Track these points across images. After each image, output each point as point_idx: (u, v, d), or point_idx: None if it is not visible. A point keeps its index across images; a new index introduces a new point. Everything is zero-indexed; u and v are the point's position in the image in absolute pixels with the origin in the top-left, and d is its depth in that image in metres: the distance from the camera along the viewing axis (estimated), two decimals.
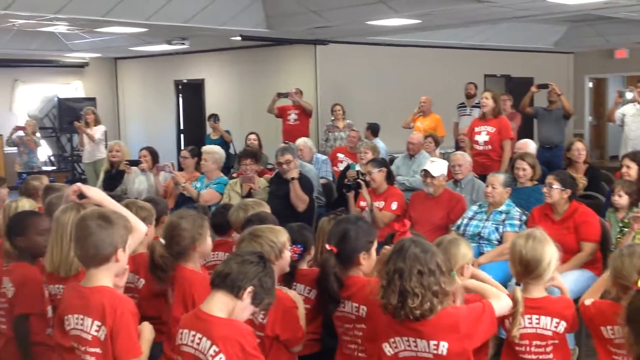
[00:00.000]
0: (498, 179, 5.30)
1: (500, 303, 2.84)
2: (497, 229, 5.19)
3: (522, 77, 13.85)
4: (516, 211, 5.23)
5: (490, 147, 7.22)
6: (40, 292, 3.33)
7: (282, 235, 3.26)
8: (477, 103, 9.98)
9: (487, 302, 2.79)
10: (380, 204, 6.03)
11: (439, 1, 8.10)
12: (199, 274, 3.34)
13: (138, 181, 7.17)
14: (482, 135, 7.27)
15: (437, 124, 9.67)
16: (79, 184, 3.13)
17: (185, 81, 14.16)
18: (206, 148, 7.07)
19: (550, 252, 3.03)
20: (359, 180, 6.12)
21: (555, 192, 4.89)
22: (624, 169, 5.67)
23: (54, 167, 13.19)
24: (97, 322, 2.63)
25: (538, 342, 3.00)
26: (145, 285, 3.63)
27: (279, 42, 11.35)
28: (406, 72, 12.47)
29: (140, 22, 8.87)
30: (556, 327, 3.00)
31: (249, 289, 2.64)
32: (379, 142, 8.70)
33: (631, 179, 5.49)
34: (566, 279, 4.47)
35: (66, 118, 12.53)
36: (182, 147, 13.20)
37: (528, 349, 3.00)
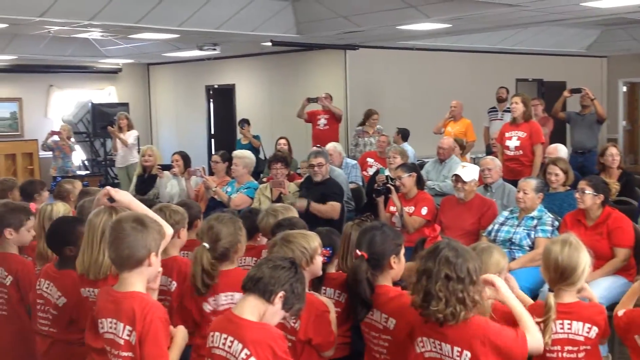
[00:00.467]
0: (530, 184, 5.25)
1: (533, 339, 2.74)
2: (528, 234, 5.14)
3: (554, 81, 13.71)
4: (548, 217, 5.18)
5: (521, 152, 7.15)
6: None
7: (313, 241, 3.28)
8: (508, 107, 9.90)
9: (522, 333, 2.71)
10: (410, 209, 6.01)
11: (470, 5, 8.05)
12: (243, 271, 3.39)
13: (170, 185, 7.25)
14: (513, 141, 7.21)
15: (467, 129, 9.61)
16: (108, 187, 3.20)
17: (216, 86, 14.28)
18: (237, 153, 7.12)
19: (585, 259, 3.01)
20: (388, 185, 6.11)
21: (588, 197, 4.83)
22: None
23: (88, 172, 13.40)
24: (128, 327, 2.66)
25: (570, 348, 2.97)
26: (176, 289, 3.67)
27: (309, 47, 11.39)
28: (437, 76, 12.42)
29: (173, 29, 8.98)
30: (588, 332, 2.97)
31: (281, 293, 2.65)
32: (408, 147, 8.68)
33: None
34: (599, 286, 4.44)
35: (100, 123, 12.70)
36: (213, 152, 13.31)
37: (560, 354, 2.97)
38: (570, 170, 5.93)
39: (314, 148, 7.82)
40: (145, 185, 7.67)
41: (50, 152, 11.73)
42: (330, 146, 7.95)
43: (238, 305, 2.70)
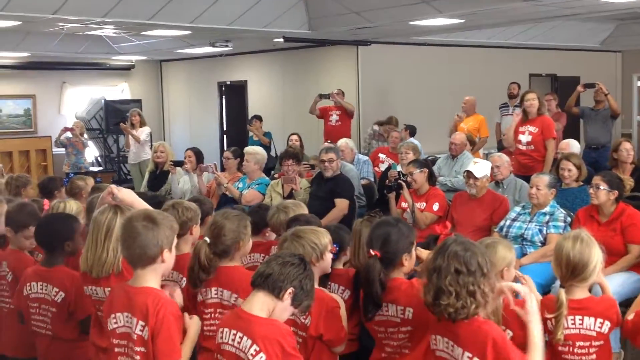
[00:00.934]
0: (543, 180, 5.22)
1: None
2: (540, 230, 5.12)
3: (568, 76, 13.61)
4: (561, 212, 5.15)
5: (533, 147, 7.11)
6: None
7: (324, 237, 3.30)
8: (519, 103, 9.85)
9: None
10: (421, 204, 6.00)
11: (483, 0, 8.01)
12: (243, 270, 3.39)
13: (182, 181, 7.28)
14: (525, 135, 7.17)
15: (480, 124, 9.55)
16: (112, 186, 3.22)
17: (228, 83, 14.30)
18: (248, 149, 7.13)
19: (597, 255, 2.99)
20: (400, 181, 6.09)
21: (602, 193, 4.80)
22: None
23: (101, 168, 13.47)
24: (141, 322, 2.69)
25: (581, 343, 2.96)
26: (186, 285, 3.69)
27: (321, 43, 11.38)
28: (449, 72, 12.37)
29: (185, 25, 8.99)
30: (600, 327, 2.96)
31: (290, 290, 2.66)
32: (414, 141, 8.64)
33: None
34: (613, 282, 4.40)
35: (112, 120, 12.76)
36: (225, 148, 13.34)
37: (571, 349, 2.96)
38: (584, 165, 5.90)
39: (326, 144, 7.82)
40: (157, 181, 7.71)
41: (64, 149, 11.80)
42: (342, 142, 7.94)
43: (247, 301, 2.70)
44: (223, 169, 7.66)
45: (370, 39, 11.23)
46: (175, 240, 2.83)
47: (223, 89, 14.46)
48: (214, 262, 3.31)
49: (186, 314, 2.82)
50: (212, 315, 3.37)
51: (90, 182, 5.54)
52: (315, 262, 3.20)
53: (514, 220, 5.31)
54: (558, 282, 3.27)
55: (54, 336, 3.55)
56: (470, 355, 2.56)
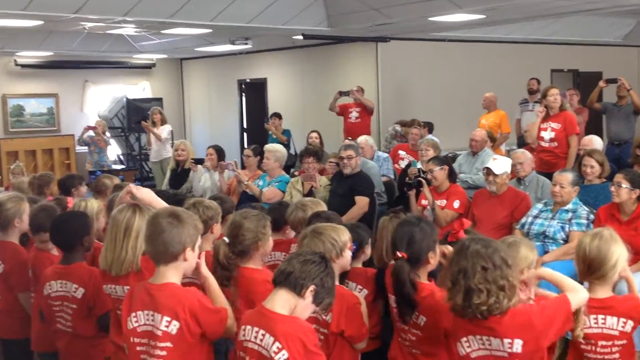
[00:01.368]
0: (567, 177, 5.16)
1: (578, 296, 2.75)
2: (563, 227, 5.08)
3: (590, 71, 13.48)
4: (583, 210, 5.11)
5: (556, 144, 7.06)
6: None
7: (344, 235, 3.31)
8: (539, 99, 9.78)
9: (564, 296, 2.72)
10: (442, 202, 5.97)
11: None
12: (260, 271, 3.40)
13: (203, 179, 7.32)
14: (548, 132, 7.12)
15: (502, 120, 9.48)
16: (131, 185, 3.26)
17: (248, 80, 14.34)
18: (268, 146, 7.16)
19: (618, 253, 2.96)
20: (420, 178, 6.08)
21: (624, 191, 4.76)
22: None
23: (123, 166, 13.58)
24: (166, 318, 2.73)
25: (604, 343, 2.94)
26: None
27: (340, 40, 11.36)
28: (470, 68, 12.30)
29: (205, 24, 9.04)
30: (623, 326, 2.93)
31: (311, 287, 2.67)
32: (433, 138, 8.61)
33: None
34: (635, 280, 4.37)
35: (134, 118, 12.84)
36: (245, 146, 13.39)
37: (594, 348, 2.95)
38: (606, 162, 5.84)
39: (346, 141, 7.81)
40: (178, 179, 7.76)
41: (86, 147, 11.92)
42: (362, 139, 7.93)
43: (269, 299, 2.72)
44: (243, 167, 7.69)
45: (389, 36, 11.19)
46: (200, 240, 2.85)
47: (243, 86, 14.50)
48: (234, 262, 3.32)
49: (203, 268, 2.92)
50: None
51: (116, 180, 5.60)
52: (335, 258, 3.22)
53: (535, 217, 5.27)
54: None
55: (74, 333, 3.60)
56: (510, 340, 2.59)
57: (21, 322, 4.05)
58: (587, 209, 5.13)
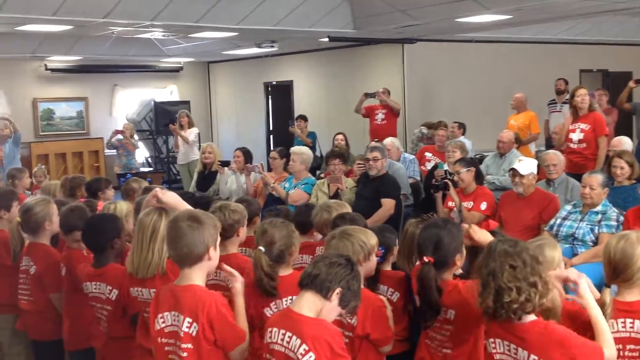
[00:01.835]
0: (597, 179, 5.10)
1: (610, 354, 2.63)
2: (592, 229, 5.02)
3: (619, 71, 13.30)
4: (613, 211, 5.05)
5: (585, 145, 6.98)
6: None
7: (372, 238, 3.32)
8: (567, 99, 9.67)
9: (600, 348, 2.59)
10: (469, 204, 5.94)
11: None
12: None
13: (230, 181, 7.36)
14: (576, 133, 7.04)
15: (531, 121, 9.39)
16: (157, 189, 3.29)
17: (274, 83, 14.40)
18: (294, 149, 7.18)
19: None
20: (446, 180, 6.05)
21: None
22: None
23: (151, 168, 13.73)
24: (188, 319, 2.76)
25: (632, 346, 2.89)
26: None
27: (366, 42, 11.36)
28: (497, 69, 12.21)
29: (231, 27, 9.10)
30: None
31: (337, 290, 2.67)
32: (466, 140, 8.56)
33: None
34: None
35: (162, 121, 12.97)
36: (272, 148, 13.44)
37: (622, 353, 2.90)
38: (636, 163, 5.77)
39: (372, 143, 7.81)
40: (205, 181, 7.82)
41: (115, 150, 12.06)
42: (388, 141, 7.92)
43: (296, 301, 2.74)
44: (269, 169, 7.73)
45: (415, 37, 11.16)
46: (219, 239, 2.89)
47: (269, 89, 14.57)
48: (275, 269, 3.31)
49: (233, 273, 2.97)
50: None
51: (144, 184, 5.65)
52: (362, 261, 3.22)
53: (564, 219, 5.22)
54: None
55: (110, 334, 3.64)
56: (537, 358, 2.53)
57: (53, 324, 4.11)
58: (616, 210, 5.07)
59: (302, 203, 5.86)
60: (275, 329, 2.72)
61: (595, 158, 6.89)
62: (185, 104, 13.93)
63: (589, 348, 2.55)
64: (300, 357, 2.59)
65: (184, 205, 3.20)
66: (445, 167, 6.98)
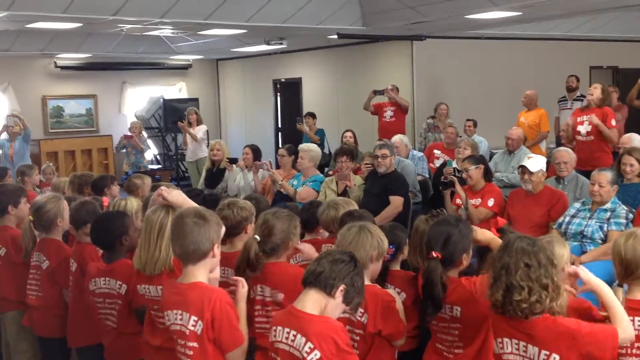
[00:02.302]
0: (606, 176, 5.07)
1: (625, 334, 2.62)
2: (601, 227, 4.99)
3: (630, 68, 13.20)
4: (622, 209, 5.01)
5: (592, 137, 6.95)
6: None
7: (387, 242, 3.29)
8: (578, 96, 9.63)
9: (613, 331, 2.59)
10: (477, 201, 5.92)
11: None
12: (285, 265, 3.43)
13: (239, 178, 7.37)
14: (584, 126, 7.02)
15: (541, 119, 9.32)
16: (162, 188, 3.29)
17: (283, 80, 14.39)
18: (303, 146, 7.17)
19: None
20: (452, 176, 6.03)
21: None
22: None
23: (160, 166, 13.76)
24: (194, 317, 2.76)
25: None
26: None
27: (375, 39, 11.33)
28: (507, 66, 12.16)
29: (240, 24, 9.10)
30: None
31: (341, 287, 2.67)
32: (480, 137, 8.55)
33: None
34: None
35: (171, 118, 12.98)
36: (280, 145, 13.44)
37: (629, 351, 2.88)
38: None
39: (380, 141, 7.80)
40: (214, 178, 7.84)
41: (124, 149, 12.08)
42: (397, 138, 7.91)
43: (300, 299, 2.73)
44: (278, 166, 7.73)
45: (424, 34, 11.12)
46: (222, 234, 2.91)
47: (278, 86, 14.56)
48: (261, 260, 3.34)
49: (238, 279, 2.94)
50: (260, 312, 3.41)
51: (148, 181, 5.66)
52: (375, 259, 3.19)
53: (573, 216, 5.19)
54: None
55: (119, 330, 3.65)
56: (548, 353, 2.52)
57: (59, 320, 4.13)
58: (626, 208, 5.03)
59: (308, 201, 5.85)
60: (279, 328, 2.71)
61: (601, 152, 6.86)
62: (194, 101, 13.96)
63: (601, 334, 2.54)
64: (305, 355, 2.58)
65: (190, 203, 3.20)
66: (454, 164, 6.96)
